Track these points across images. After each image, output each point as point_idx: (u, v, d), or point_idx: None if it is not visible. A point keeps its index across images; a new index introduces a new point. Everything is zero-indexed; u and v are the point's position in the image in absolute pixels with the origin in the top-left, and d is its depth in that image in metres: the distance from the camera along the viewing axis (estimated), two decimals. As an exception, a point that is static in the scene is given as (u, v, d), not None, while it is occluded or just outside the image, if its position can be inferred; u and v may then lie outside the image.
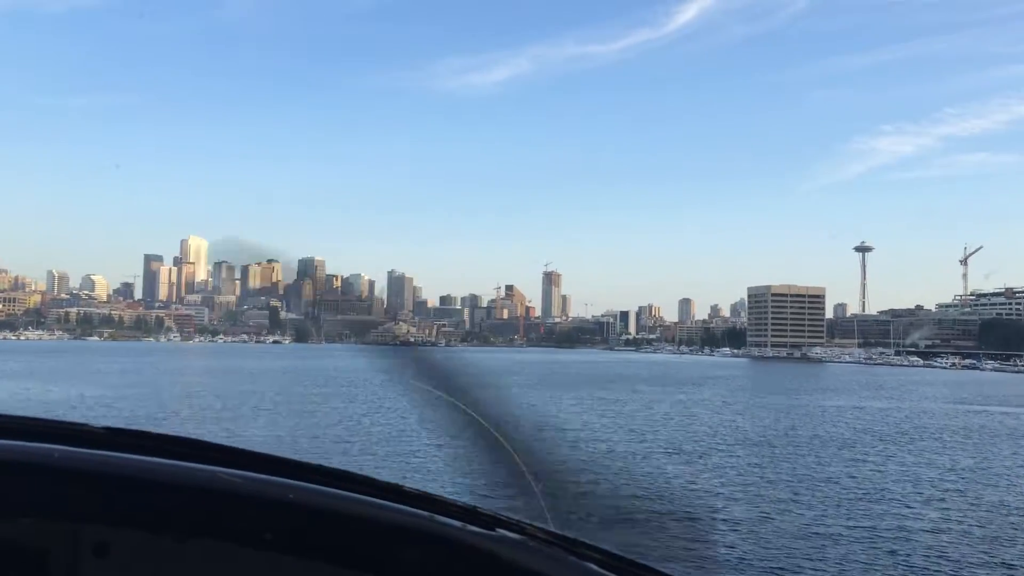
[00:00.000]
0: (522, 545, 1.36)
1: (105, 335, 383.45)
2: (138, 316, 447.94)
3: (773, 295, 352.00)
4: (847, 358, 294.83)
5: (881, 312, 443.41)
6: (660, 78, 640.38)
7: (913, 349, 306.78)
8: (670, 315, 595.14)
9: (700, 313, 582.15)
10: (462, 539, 1.35)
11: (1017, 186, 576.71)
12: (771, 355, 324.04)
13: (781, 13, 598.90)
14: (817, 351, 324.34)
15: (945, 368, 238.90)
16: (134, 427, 1.58)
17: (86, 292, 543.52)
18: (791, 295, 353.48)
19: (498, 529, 1.38)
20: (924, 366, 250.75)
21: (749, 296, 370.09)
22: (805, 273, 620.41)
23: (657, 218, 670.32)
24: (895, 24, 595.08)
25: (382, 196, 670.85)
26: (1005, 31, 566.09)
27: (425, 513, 1.38)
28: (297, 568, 1.39)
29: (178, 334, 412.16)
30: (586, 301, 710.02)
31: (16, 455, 1.40)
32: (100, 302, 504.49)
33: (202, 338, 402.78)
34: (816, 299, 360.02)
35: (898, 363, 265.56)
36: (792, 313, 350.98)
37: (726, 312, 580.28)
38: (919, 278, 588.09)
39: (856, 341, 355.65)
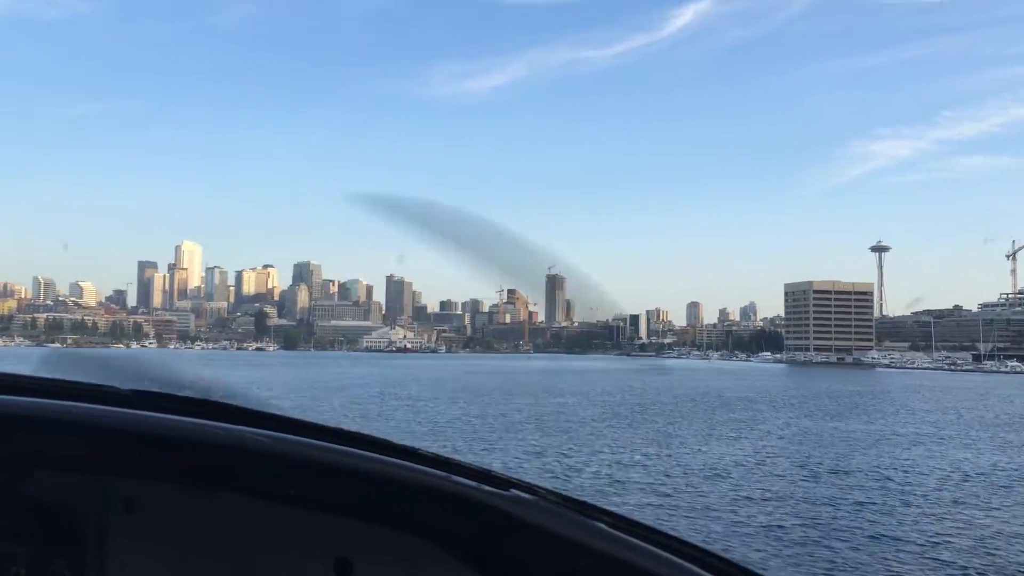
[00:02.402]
0: (534, 505, 1.34)
1: (68, 342, 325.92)
2: (113, 322, 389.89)
3: (815, 292, 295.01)
4: (922, 363, 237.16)
5: (916, 313, 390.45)
6: (657, 82, 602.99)
7: (976, 352, 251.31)
8: (677, 319, 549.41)
9: (707, 317, 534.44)
10: (477, 497, 1.33)
11: (1010, 188, 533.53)
12: (820, 359, 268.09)
13: (777, 16, 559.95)
14: (873, 355, 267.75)
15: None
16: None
17: (73, 299, 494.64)
18: (835, 292, 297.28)
19: (512, 490, 1.37)
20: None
21: (787, 294, 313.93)
22: (812, 275, 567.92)
23: (656, 222, 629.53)
24: (890, 27, 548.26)
25: (379, 202, 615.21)
26: (1000, 33, 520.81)
27: (442, 473, 1.36)
28: (320, 523, 1.40)
29: (155, 340, 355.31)
30: (591, 305, 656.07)
31: (50, 412, 1.37)
32: (86, 308, 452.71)
33: (179, 344, 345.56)
34: (863, 296, 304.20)
35: (993, 369, 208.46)
36: (837, 313, 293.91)
37: (736, 315, 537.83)
38: (928, 279, 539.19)
39: (906, 344, 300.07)
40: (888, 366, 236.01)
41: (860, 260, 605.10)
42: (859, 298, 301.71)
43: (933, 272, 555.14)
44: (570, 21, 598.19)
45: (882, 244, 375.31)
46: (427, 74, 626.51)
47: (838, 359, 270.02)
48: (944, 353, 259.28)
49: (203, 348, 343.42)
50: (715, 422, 58.91)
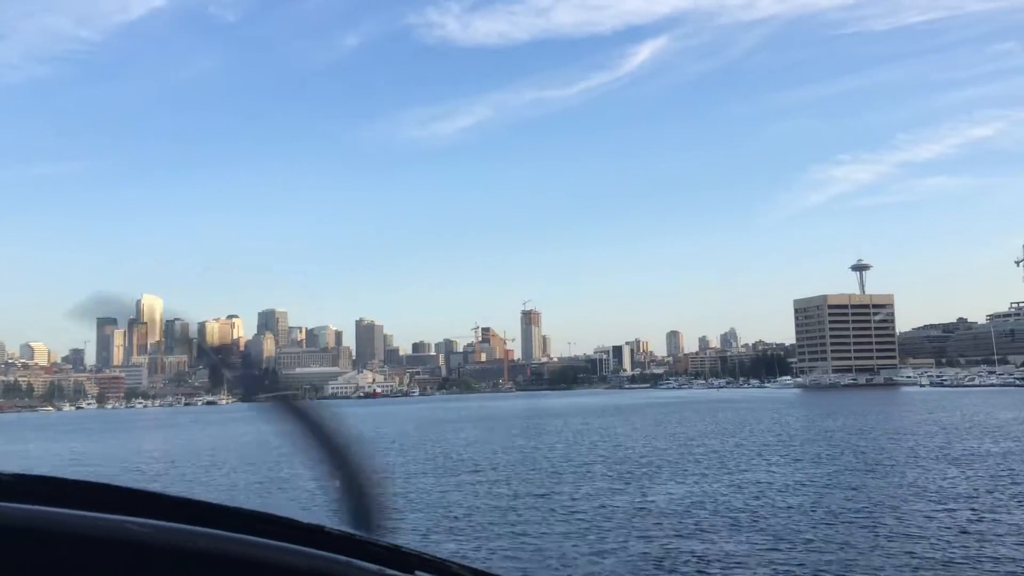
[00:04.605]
0: None
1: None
2: (51, 383, 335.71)
3: (831, 308, 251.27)
4: (988, 380, 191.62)
5: (918, 328, 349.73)
6: (619, 118, 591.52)
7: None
8: (657, 349, 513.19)
9: (687, 346, 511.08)
10: None
11: (973, 206, 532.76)
12: (847, 382, 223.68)
13: (733, 50, 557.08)
14: (908, 374, 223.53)
15: None
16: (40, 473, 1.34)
17: (23, 360, 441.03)
18: (852, 306, 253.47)
19: (417, 572, 1.24)
20: None
21: (797, 311, 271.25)
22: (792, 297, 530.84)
23: (626, 255, 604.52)
24: (844, 56, 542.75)
25: (349, 247, 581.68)
26: (946, 59, 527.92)
27: (344, 558, 1.20)
28: None
29: (94, 401, 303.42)
30: (568, 340, 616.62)
31: None
32: (31, 370, 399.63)
33: (118, 404, 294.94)
34: (882, 309, 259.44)
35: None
36: (856, 329, 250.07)
37: (716, 343, 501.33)
38: (911, 294, 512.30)
39: (930, 360, 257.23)
40: (941, 384, 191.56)
41: (838, 281, 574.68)
42: (878, 311, 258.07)
43: (915, 288, 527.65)
44: (531, 64, 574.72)
45: (863, 263, 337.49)
46: (396, 118, 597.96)
47: (867, 380, 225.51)
48: (994, 368, 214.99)
49: (145, 406, 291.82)
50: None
